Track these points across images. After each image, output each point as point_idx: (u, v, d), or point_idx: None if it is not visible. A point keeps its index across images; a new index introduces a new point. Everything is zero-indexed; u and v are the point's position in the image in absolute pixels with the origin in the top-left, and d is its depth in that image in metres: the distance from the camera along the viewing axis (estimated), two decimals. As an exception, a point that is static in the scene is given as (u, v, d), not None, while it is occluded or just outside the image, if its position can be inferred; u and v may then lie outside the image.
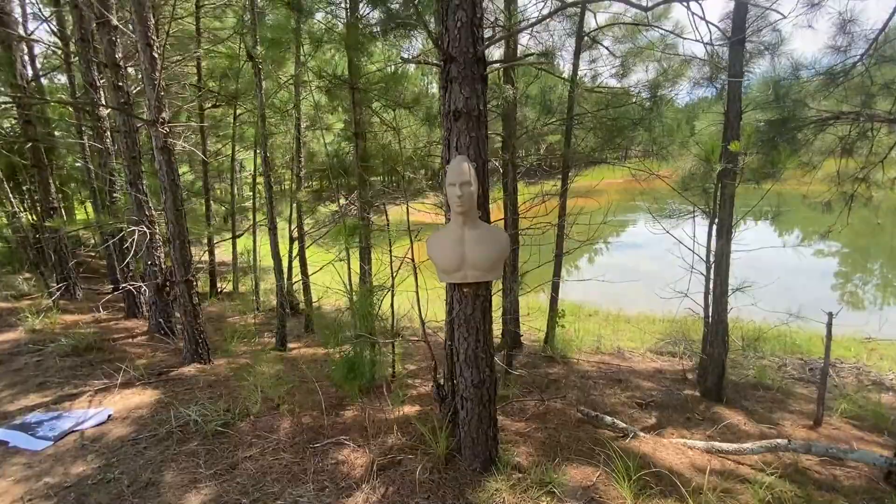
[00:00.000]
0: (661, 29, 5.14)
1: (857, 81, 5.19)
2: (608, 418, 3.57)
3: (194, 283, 4.39)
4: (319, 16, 4.53)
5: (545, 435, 3.42)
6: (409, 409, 3.71)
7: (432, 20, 3.93)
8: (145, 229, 4.91)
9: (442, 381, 2.96)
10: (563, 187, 5.57)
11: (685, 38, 4.71)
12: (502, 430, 3.53)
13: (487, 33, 5.04)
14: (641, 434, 3.41)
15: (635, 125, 4.68)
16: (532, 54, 4.81)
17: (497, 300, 4.90)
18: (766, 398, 4.57)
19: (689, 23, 4.85)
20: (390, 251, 3.94)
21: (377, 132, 4.72)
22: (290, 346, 5.87)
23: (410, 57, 3.83)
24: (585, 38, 5.41)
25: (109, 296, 7.41)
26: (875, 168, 5.51)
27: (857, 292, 10.98)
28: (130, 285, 5.68)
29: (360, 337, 3.08)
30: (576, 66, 5.33)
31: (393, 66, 4.19)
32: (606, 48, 5.93)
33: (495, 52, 6.27)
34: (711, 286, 4.33)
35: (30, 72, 7.59)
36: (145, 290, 5.53)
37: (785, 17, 4.33)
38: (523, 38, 5.97)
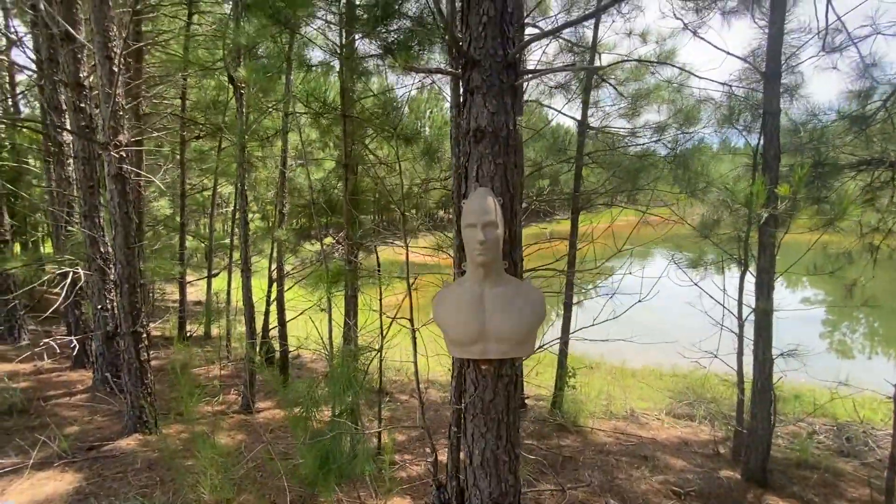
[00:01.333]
0: (674, 65, 4.83)
1: (879, 127, 4.91)
2: (648, 519, 2.87)
3: (144, 336, 3.67)
4: (309, 32, 4.10)
5: (572, 544, 2.70)
6: (400, 503, 2.96)
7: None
8: (96, 269, 4.22)
9: (444, 480, 2.27)
10: (573, 230, 5.07)
11: (701, 77, 4.37)
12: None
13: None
14: (691, 542, 2.71)
15: (658, 165, 4.25)
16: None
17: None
18: (814, 481, 3.90)
19: (702, 62, 4.54)
20: (380, 302, 3.30)
21: (371, 165, 4.22)
22: (261, 405, 5.07)
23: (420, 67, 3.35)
24: (595, 77, 5.10)
25: (59, 341, 6.55)
26: (897, 218, 5.14)
27: (847, 342, 10.56)
28: (74, 336, 4.91)
29: (338, 421, 2.40)
30: (586, 104, 4.97)
31: (395, 86, 3.73)
32: (615, 87, 5.64)
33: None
34: (752, 348, 3.75)
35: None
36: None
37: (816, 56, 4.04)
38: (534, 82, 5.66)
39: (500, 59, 1.64)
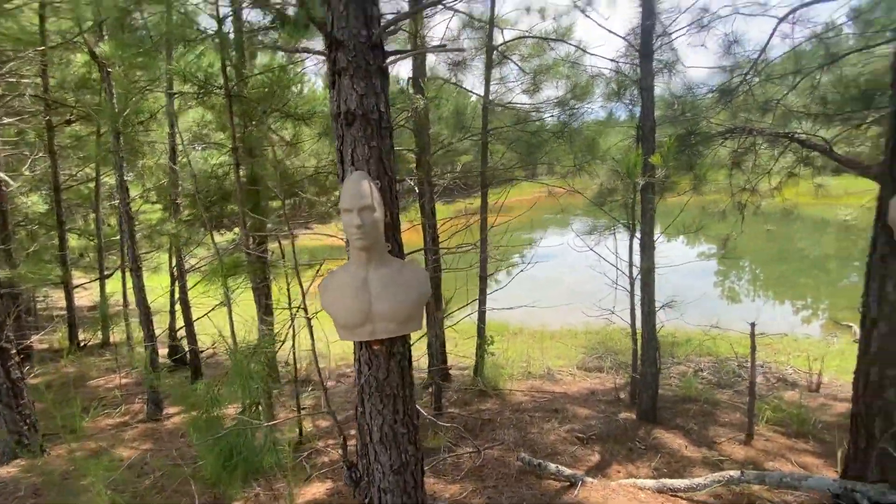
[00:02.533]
0: (569, 43, 5.07)
1: (741, 99, 5.54)
2: (552, 465, 3.15)
3: (13, 353, 3.26)
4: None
5: (484, 499, 2.90)
6: (319, 489, 2.98)
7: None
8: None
9: (355, 459, 2.31)
10: (483, 206, 5.23)
11: (592, 54, 4.64)
12: (435, 497, 2.94)
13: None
14: (589, 480, 3.03)
15: (556, 138, 4.48)
16: (440, 47, 4.41)
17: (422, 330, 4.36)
18: (695, 412, 4.50)
19: (596, 38, 4.76)
20: (288, 291, 3.22)
21: (269, 146, 3.99)
22: (172, 410, 4.75)
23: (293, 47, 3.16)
24: (496, 53, 5.20)
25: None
26: (761, 179, 5.90)
27: (735, 289, 12.14)
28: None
29: (241, 418, 2.33)
30: (488, 80, 5.06)
31: (277, 65, 3.53)
32: (516, 63, 5.80)
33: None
34: (639, 303, 4.19)
35: None
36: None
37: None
38: (430, 57, 5.63)
39: (365, 40, 1.62)
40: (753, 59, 5.21)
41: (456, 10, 4.95)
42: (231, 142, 3.29)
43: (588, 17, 4.75)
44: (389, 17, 1.87)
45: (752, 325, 3.74)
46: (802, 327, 8.83)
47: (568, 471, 3.10)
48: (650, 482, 3.00)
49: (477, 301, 5.52)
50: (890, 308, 2.28)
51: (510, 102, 5.50)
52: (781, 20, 4.81)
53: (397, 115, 3.86)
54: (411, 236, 5.20)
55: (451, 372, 5.85)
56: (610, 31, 4.44)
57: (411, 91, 4.03)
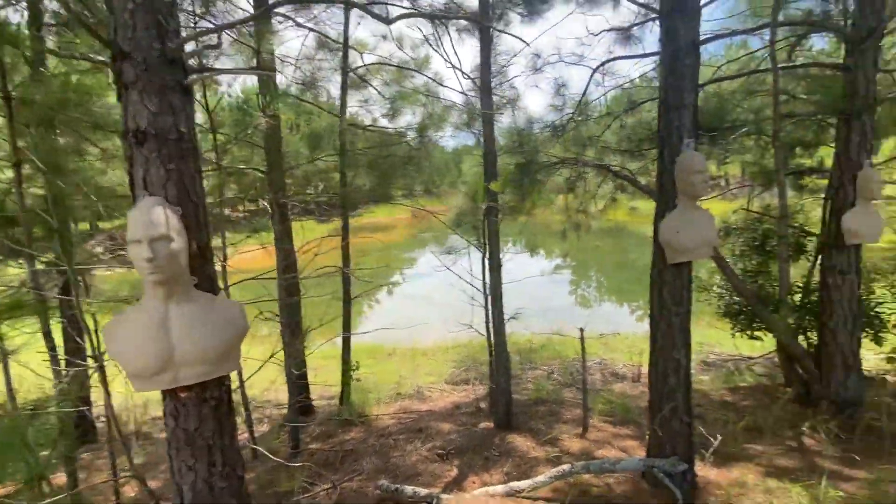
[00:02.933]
0: (423, 74, 5.34)
1: (571, 134, 6.42)
2: (409, 489, 3.15)
3: None
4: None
5: (338, 538, 2.76)
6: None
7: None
8: None
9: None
10: (344, 228, 5.14)
11: (445, 86, 4.95)
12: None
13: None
14: (445, 497, 3.09)
15: (405, 164, 4.63)
16: (254, 69, 4.27)
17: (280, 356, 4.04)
18: (546, 413, 4.95)
19: (450, 72, 5.12)
20: (92, 334, 2.71)
21: (76, 161, 3.38)
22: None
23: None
24: (352, 74, 5.22)
25: None
26: (589, 202, 6.88)
27: (586, 295, 13.89)
28: None
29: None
30: (344, 102, 5.05)
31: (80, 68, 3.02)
32: (375, 88, 5.91)
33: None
34: (490, 316, 4.49)
35: None
36: None
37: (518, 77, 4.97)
38: (288, 69, 5.44)
39: (159, 54, 1.46)
40: (578, 100, 6.10)
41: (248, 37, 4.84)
42: (14, 156, 2.69)
43: (436, 50, 5.07)
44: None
45: (581, 329, 4.27)
46: (635, 325, 10.41)
47: (424, 491, 3.13)
48: (500, 487, 3.18)
49: (344, 326, 5.35)
50: (666, 311, 2.79)
51: (370, 126, 5.57)
52: (595, 70, 5.73)
53: (239, 132, 3.60)
54: (263, 262, 4.85)
55: (315, 403, 5.53)
56: (455, 68, 4.80)
57: (256, 109, 3.80)
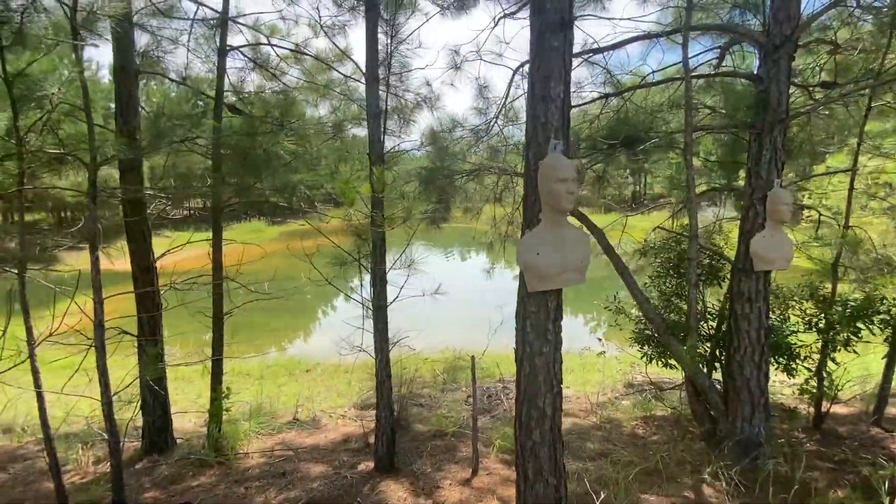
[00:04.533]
0: (308, 54, 4.68)
1: (495, 140, 5.96)
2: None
3: None
4: None
5: None
6: None
7: None
8: None
9: None
10: (216, 236, 4.41)
11: (333, 67, 4.34)
12: None
13: None
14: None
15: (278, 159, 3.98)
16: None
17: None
18: (441, 449, 4.38)
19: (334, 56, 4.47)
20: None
21: None
22: None
23: None
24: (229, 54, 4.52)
25: None
26: (518, 212, 6.43)
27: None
28: None
29: None
30: (220, 82, 4.31)
31: None
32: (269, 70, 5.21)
33: None
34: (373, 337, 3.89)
35: None
36: None
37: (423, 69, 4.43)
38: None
39: None
40: (501, 102, 5.63)
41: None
42: None
43: (330, 39, 4.45)
44: None
45: (473, 357, 3.74)
46: (569, 342, 10.05)
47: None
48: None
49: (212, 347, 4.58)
50: (530, 348, 2.27)
51: (251, 112, 4.84)
52: (515, 72, 5.28)
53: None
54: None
55: (178, 437, 4.69)
56: (346, 55, 4.21)
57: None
